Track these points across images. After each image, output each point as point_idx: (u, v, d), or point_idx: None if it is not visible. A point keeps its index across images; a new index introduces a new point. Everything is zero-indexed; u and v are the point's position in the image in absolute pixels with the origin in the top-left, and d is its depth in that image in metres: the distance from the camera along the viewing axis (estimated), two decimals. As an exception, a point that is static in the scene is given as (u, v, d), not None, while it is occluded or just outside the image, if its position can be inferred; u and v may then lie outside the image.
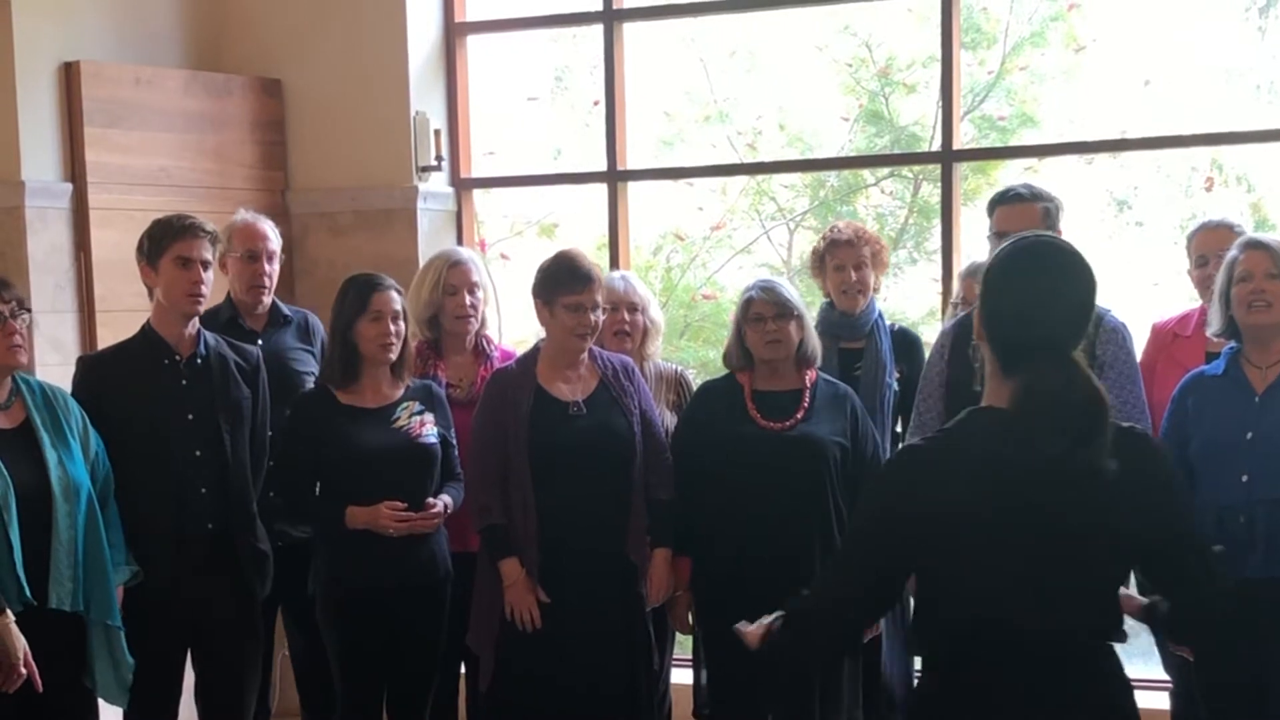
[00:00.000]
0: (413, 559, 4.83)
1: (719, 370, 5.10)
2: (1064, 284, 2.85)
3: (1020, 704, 2.81)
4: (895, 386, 5.33)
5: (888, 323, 5.48)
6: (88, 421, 4.55)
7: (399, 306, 4.87)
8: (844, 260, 5.36)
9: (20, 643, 4.16)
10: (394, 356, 4.87)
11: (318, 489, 4.86)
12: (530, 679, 4.79)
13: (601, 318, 4.92)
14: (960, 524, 2.78)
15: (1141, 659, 6.33)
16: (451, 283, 5.30)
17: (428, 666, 4.97)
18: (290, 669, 5.67)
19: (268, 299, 5.44)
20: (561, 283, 4.83)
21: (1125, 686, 2.94)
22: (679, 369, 5.52)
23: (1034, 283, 2.84)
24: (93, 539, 4.41)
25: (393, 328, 4.83)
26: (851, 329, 5.34)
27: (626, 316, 5.32)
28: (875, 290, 5.47)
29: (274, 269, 5.44)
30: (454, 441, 5.00)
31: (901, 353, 5.42)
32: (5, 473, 4.23)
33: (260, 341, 5.34)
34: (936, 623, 2.88)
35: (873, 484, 2.98)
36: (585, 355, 4.93)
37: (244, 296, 5.40)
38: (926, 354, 5.54)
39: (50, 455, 4.36)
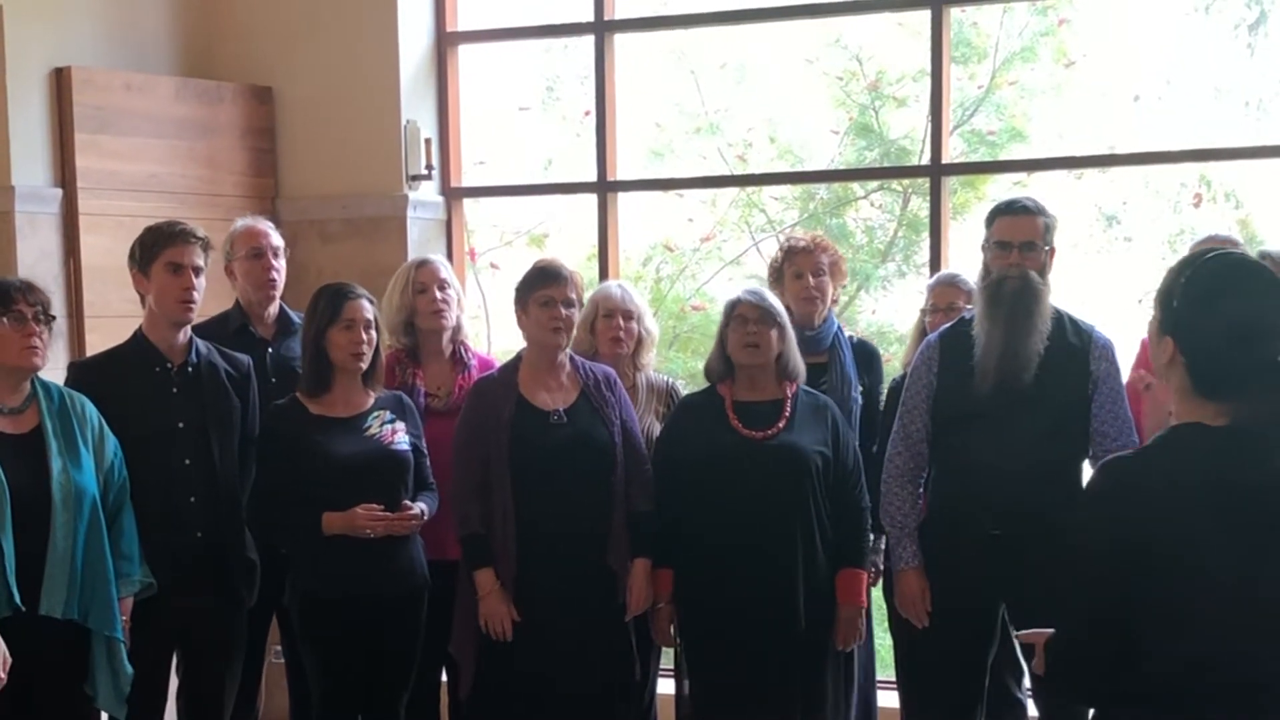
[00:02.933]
0: (390, 568, 4.83)
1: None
2: (1274, 296, 2.75)
3: None
4: (860, 400, 5.33)
5: (847, 335, 5.49)
6: (105, 429, 4.54)
7: (370, 315, 4.88)
8: (802, 267, 5.37)
9: (1, 648, 4.15)
10: (364, 365, 4.87)
11: (293, 501, 4.84)
12: (510, 687, 4.80)
13: (576, 315, 4.92)
14: (1182, 547, 2.65)
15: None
16: (420, 280, 5.33)
17: (403, 675, 4.95)
18: (275, 673, 5.65)
19: (278, 294, 5.43)
20: (533, 282, 4.87)
21: None
22: (670, 381, 5.53)
23: (1245, 296, 2.73)
24: (94, 549, 4.40)
25: (364, 336, 4.84)
26: (813, 343, 5.32)
27: (622, 323, 5.32)
28: (834, 302, 5.49)
29: (280, 265, 5.43)
30: (425, 451, 5.00)
31: (862, 366, 5.42)
32: (2, 479, 4.23)
33: (270, 350, 5.34)
34: (1150, 662, 2.72)
35: (1088, 511, 2.83)
36: (567, 364, 4.95)
37: (255, 295, 5.39)
38: (889, 366, 5.56)
39: (55, 463, 4.35)
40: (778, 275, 5.44)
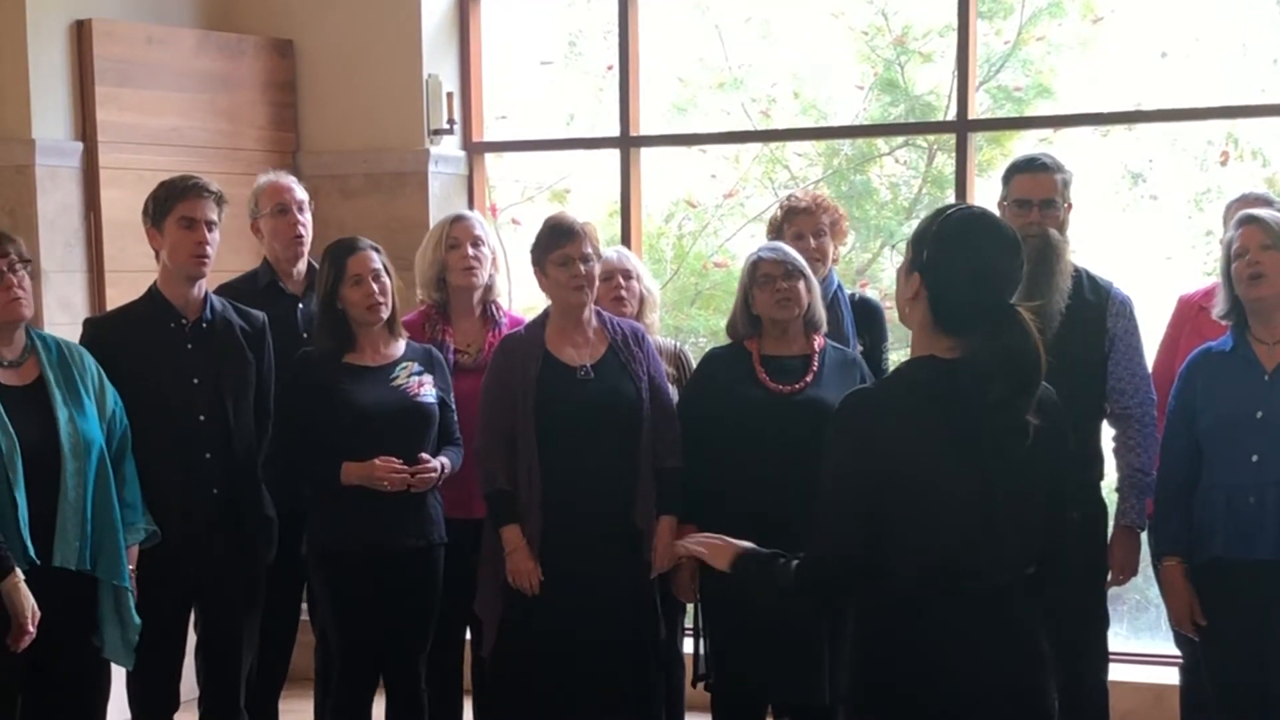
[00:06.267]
0: (407, 523, 4.84)
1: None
2: (1011, 250, 3.06)
3: (950, 647, 3.01)
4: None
5: (848, 292, 5.45)
6: (104, 378, 4.54)
7: (379, 264, 4.87)
8: (803, 228, 5.31)
9: (29, 602, 4.17)
10: (385, 315, 4.87)
11: (315, 446, 4.84)
12: (534, 645, 4.79)
13: (597, 269, 4.90)
14: (915, 469, 2.97)
15: (1150, 634, 6.33)
16: (454, 236, 5.30)
17: (420, 632, 4.98)
18: (306, 632, 5.66)
19: (306, 250, 5.43)
20: (547, 242, 4.85)
21: (1036, 628, 3.14)
22: (678, 345, 5.54)
23: (988, 247, 3.04)
24: (102, 498, 4.41)
25: (375, 286, 4.83)
26: None
27: (622, 282, 5.33)
28: (834, 261, 5.44)
29: (306, 219, 5.43)
30: (453, 406, 5.00)
31: (863, 323, 5.37)
32: (11, 430, 4.23)
33: (301, 305, 5.34)
34: (896, 575, 3.01)
35: (831, 441, 3.13)
36: (594, 320, 4.93)
37: (283, 252, 5.39)
38: (887, 323, 5.52)
39: (61, 412, 4.35)
40: (777, 234, 5.38)
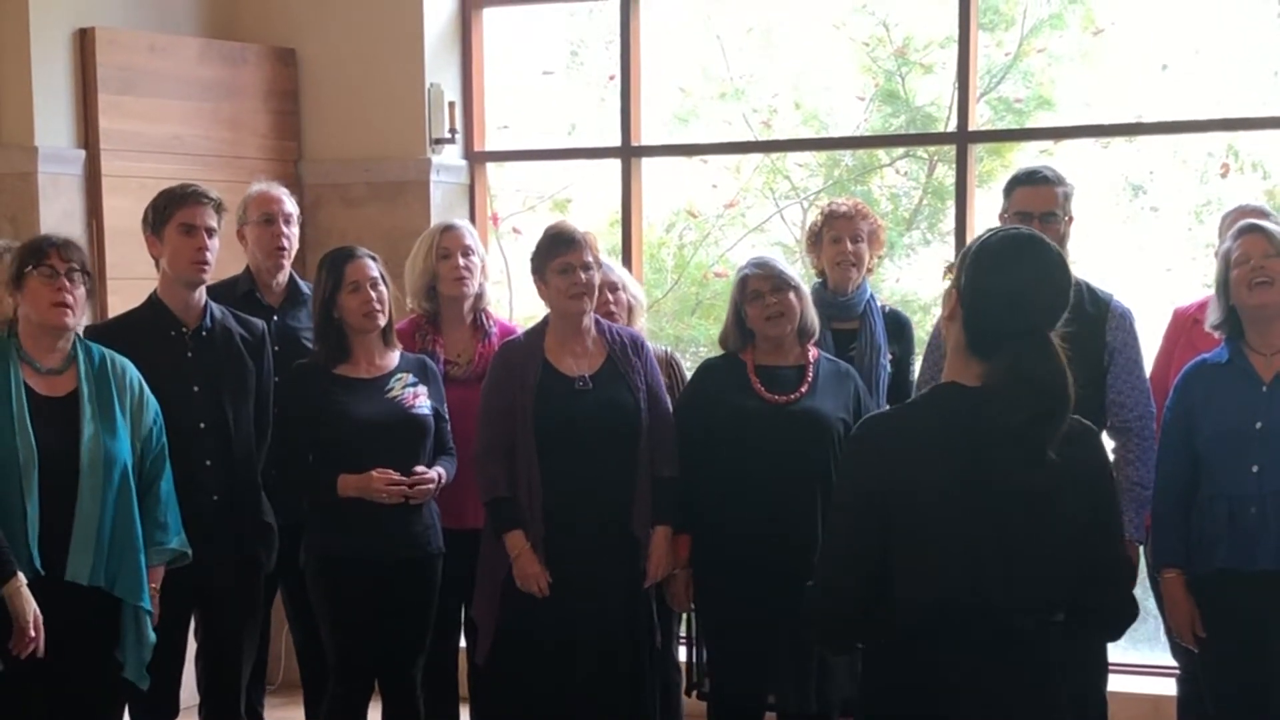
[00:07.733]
0: (405, 533, 4.85)
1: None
2: (1052, 276, 3.01)
3: (964, 680, 2.91)
4: (889, 368, 5.32)
5: (879, 304, 5.47)
6: (146, 395, 4.52)
7: (376, 273, 4.89)
8: (841, 232, 5.35)
9: (31, 606, 4.15)
10: (382, 322, 4.88)
11: (311, 459, 4.87)
12: (530, 652, 4.81)
13: (596, 278, 4.91)
14: (926, 497, 2.90)
15: (1148, 645, 6.32)
16: (445, 246, 5.31)
17: (416, 639, 4.98)
18: (292, 643, 5.67)
19: (288, 263, 5.43)
20: (547, 250, 4.86)
21: (1053, 669, 3.03)
22: (670, 352, 5.55)
23: (1026, 271, 2.98)
24: (123, 516, 4.38)
25: (373, 294, 4.84)
26: (844, 309, 5.32)
27: (610, 296, 5.33)
28: (869, 271, 5.47)
29: (292, 232, 5.43)
30: (446, 416, 5.01)
31: (893, 334, 5.41)
32: (32, 441, 4.23)
33: (276, 318, 5.34)
34: (893, 601, 2.95)
35: (844, 464, 3.16)
36: (593, 329, 4.94)
37: (265, 262, 5.39)
38: (918, 336, 5.54)
39: (87, 427, 4.33)
40: (816, 239, 5.43)
